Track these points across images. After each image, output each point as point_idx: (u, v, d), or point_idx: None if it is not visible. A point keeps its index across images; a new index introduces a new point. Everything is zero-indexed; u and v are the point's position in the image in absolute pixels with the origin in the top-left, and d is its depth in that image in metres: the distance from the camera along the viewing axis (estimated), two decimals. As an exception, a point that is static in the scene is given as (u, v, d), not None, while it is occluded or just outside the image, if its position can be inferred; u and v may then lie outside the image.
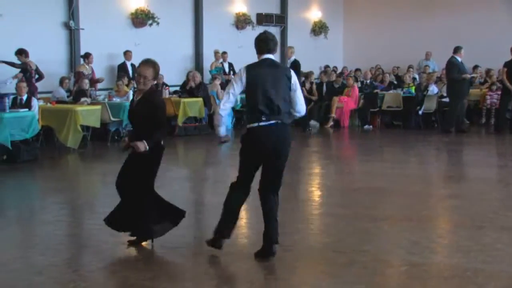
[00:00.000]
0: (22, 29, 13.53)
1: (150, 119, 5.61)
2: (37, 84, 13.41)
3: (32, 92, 12.62)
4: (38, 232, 6.76)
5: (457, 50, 14.91)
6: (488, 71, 17.90)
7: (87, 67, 14.71)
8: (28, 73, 12.98)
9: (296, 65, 14.76)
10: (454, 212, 7.53)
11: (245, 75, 5.41)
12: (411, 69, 19.68)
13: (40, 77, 13.41)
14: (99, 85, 15.22)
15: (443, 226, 6.97)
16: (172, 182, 9.12)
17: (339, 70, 21.17)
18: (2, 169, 10.57)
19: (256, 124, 5.37)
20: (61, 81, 14.22)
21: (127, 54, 15.58)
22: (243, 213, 7.28)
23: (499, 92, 15.67)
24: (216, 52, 17.78)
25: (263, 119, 5.36)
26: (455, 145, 13.35)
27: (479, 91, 16.99)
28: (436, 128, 15.77)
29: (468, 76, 15.16)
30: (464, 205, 7.65)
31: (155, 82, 5.93)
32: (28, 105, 11.57)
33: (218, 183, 9.34)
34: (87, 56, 14.64)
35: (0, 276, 5.16)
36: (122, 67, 15.56)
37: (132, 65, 15.62)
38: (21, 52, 12.98)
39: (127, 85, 14.72)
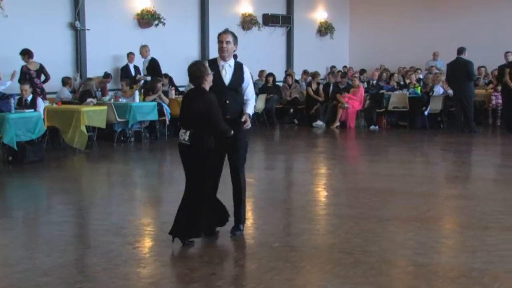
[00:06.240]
0: (28, 30, 13.56)
1: None
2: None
3: (38, 93, 12.63)
4: (44, 233, 6.77)
5: (462, 51, 14.82)
6: (494, 72, 17.78)
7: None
8: (28, 75, 12.92)
9: (154, 64, 14.72)
10: (460, 212, 7.51)
11: None
12: (419, 70, 19.57)
13: (46, 78, 13.37)
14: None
15: (449, 227, 6.96)
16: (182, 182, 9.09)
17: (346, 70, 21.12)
18: (8, 170, 10.62)
19: None
20: (64, 82, 14.22)
21: (130, 56, 15.53)
22: (249, 214, 7.30)
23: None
24: None
25: None
26: (461, 145, 13.30)
27: (485, 91, 16.91)
28: (442, 129, 15.76)
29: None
30: (470, 206, 7.63)
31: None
32: (33, 105, 11.60)
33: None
34: None
35: (6, 277, 5.17)
36: (124, 70, 15.54)
37: (135, 67, 15.61)
38: (24, 53, 12.96)
39: (131, 87, 14.59)
